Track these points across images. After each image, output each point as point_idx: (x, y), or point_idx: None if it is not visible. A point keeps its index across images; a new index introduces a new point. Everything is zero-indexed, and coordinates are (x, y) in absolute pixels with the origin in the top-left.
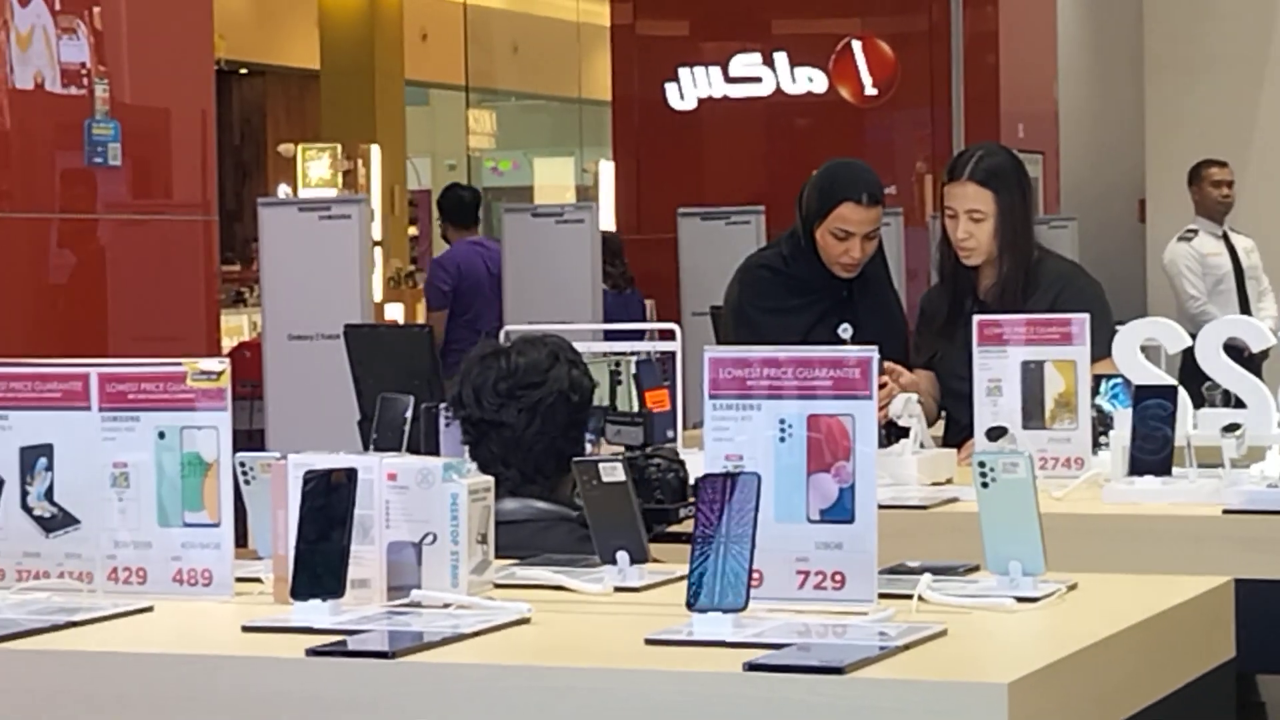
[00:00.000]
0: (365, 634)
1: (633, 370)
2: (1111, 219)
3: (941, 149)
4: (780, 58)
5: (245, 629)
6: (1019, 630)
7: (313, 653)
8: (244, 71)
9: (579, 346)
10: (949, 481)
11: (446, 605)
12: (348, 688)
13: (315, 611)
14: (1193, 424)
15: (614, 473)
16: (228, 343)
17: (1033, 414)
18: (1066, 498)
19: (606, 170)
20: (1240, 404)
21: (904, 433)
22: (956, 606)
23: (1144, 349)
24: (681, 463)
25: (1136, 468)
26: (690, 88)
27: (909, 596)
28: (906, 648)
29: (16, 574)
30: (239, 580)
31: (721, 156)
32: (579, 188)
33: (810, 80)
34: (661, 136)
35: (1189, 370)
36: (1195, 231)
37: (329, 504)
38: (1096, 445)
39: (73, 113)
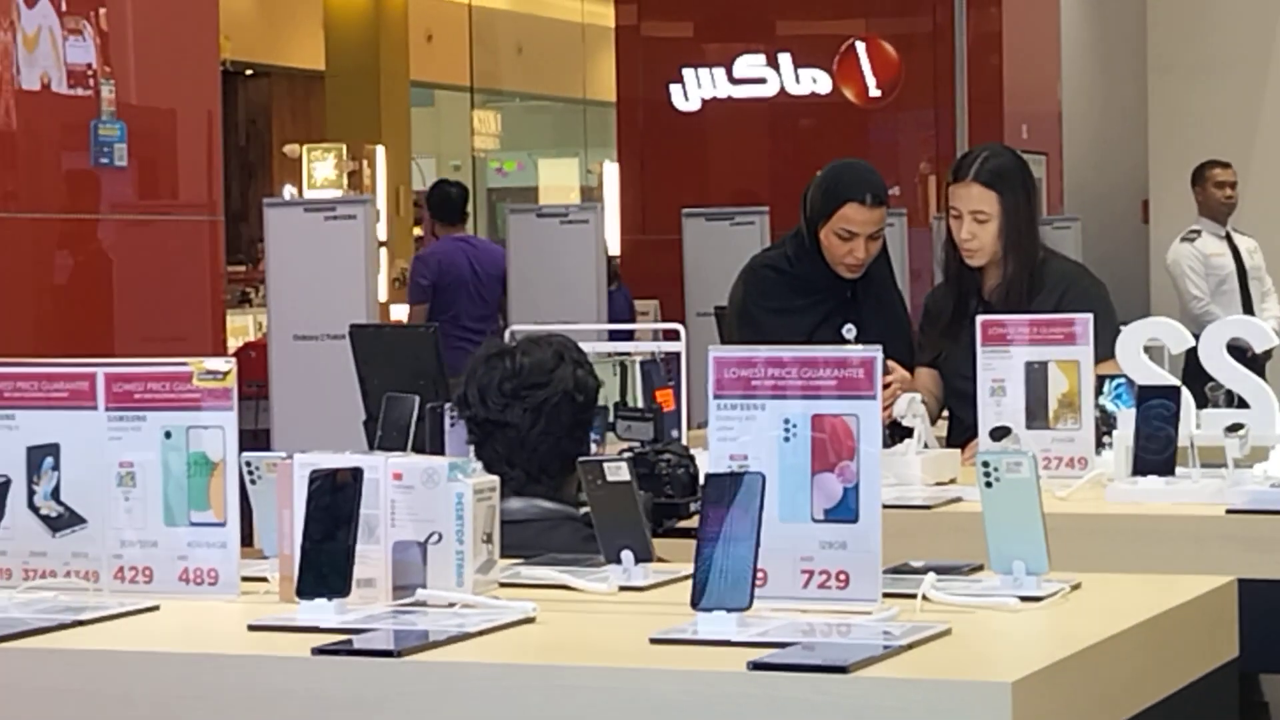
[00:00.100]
0: (370, 633)
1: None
2: (1115, 220)
3: (945, 150)
4: (784, 59)
5: (251, 628)
6: (1023, 630)
7: (318, 652)
8: (249, 72)
9: (584, 346)
10: (953, 481)
11: (452, 604)
12: (353, 687)
13: (321, 610)
14: (1196, 424)
15: (618, 472)
16: (233, 343)
17: (1036, 414)
18: (1070, 497)
19: (611, 171)
20: (1243, 404)
21: (908, 432)
22: (960, 606)
23: (1147, 349)
24: (692, 458)
25: (1140, 468)
26: (694, 88)
27: (913, 596)
28: (910, 647)
29: (23, 573)
30: (244, 579)
31: (726, 157)
32: (583, 188)
33: (814, 81)
34: (666, 137)
35: (1192, 370)
36: (1198, 232)
37: (334, 503)
38: (1100, 445)
39: (79, 113)
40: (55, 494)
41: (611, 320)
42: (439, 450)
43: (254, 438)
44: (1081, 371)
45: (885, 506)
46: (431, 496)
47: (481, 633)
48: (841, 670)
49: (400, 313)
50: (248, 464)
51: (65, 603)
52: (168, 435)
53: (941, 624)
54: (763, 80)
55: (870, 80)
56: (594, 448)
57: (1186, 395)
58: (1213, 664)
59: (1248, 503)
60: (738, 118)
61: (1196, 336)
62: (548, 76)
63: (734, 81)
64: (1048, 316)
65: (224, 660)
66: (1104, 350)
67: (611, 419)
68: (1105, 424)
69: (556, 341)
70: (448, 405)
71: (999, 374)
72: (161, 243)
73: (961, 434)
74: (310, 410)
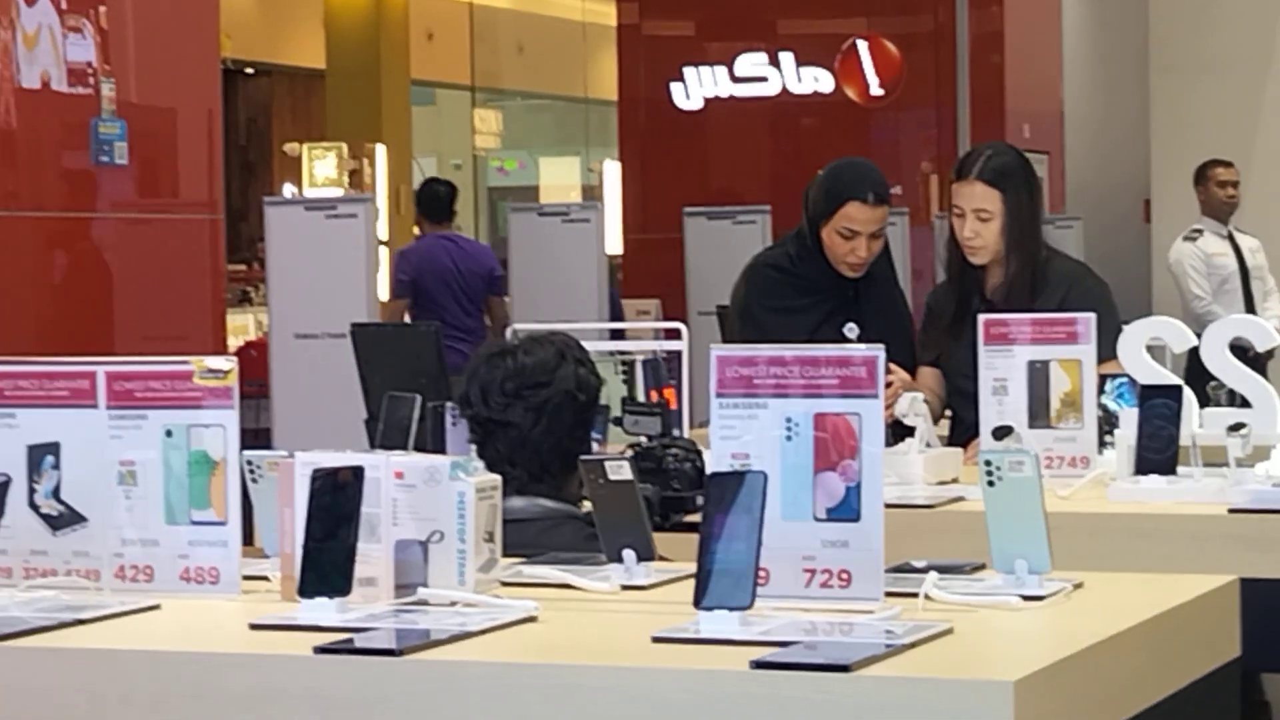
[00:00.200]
0: (372, 632)
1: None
2: (1116, 219)
3: (947, 149)
4: (786, 57)
5: (253, 627)
6: (1025, 628)
7: (320, 650)
8: (250, 71)
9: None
10: (955, 480)
11: (453, 603)
12: (355, 685)
13: (322, 609)
14: (1198, 423)
15: (620, 471)
16: (233, 342)
17: (1038, 413)
18: (1072, 497)
19: (612, 170)
20: (1245, 403)
21: (910, 431)
22: (962, 605)
23: (1149, 348)
24: (699, 452)
25: (1142, 467)
26: (696, 87)
27: (915, 595)
28: (913, 646)
29: (24, 572)
30: (245, 578)
31: (727, 156)
32: (584, 187)
33: (816, 80)
34: (667, 136)
35: (1194, 370)
36: (1200, 231)
37: (336, 502)
38: (1102, 444)
39: (79, 112)
40: (56, 493)
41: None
42: (440, 449)
43: (255, 437)
44: (1084, 371)
45: (887, 506)
46: (433, 495)
47: (483, 632)
48: (844, 669)
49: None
50: (249, 463)
51: (66, 602)
52: (169, 434)
53: (943, 623)
54: (764, 79)
55: (872, 79)
56: (595, 446)
57: (1188, 394)
58: (1214, 663)
59: (1250, 502)
60: (739, 117)
61: (1198, 336)
62: (549, 75)
63: (736, 80)
64: (1050, 315)
65: (225, 659)
66: (1106, 350)
67: (619, 414)
68: (1107, 423)
69: (558, 340)
70: (449, 404)
71: (1001, 373)
72: (162, 241)
73: (963, 433)
74: (311, 409)
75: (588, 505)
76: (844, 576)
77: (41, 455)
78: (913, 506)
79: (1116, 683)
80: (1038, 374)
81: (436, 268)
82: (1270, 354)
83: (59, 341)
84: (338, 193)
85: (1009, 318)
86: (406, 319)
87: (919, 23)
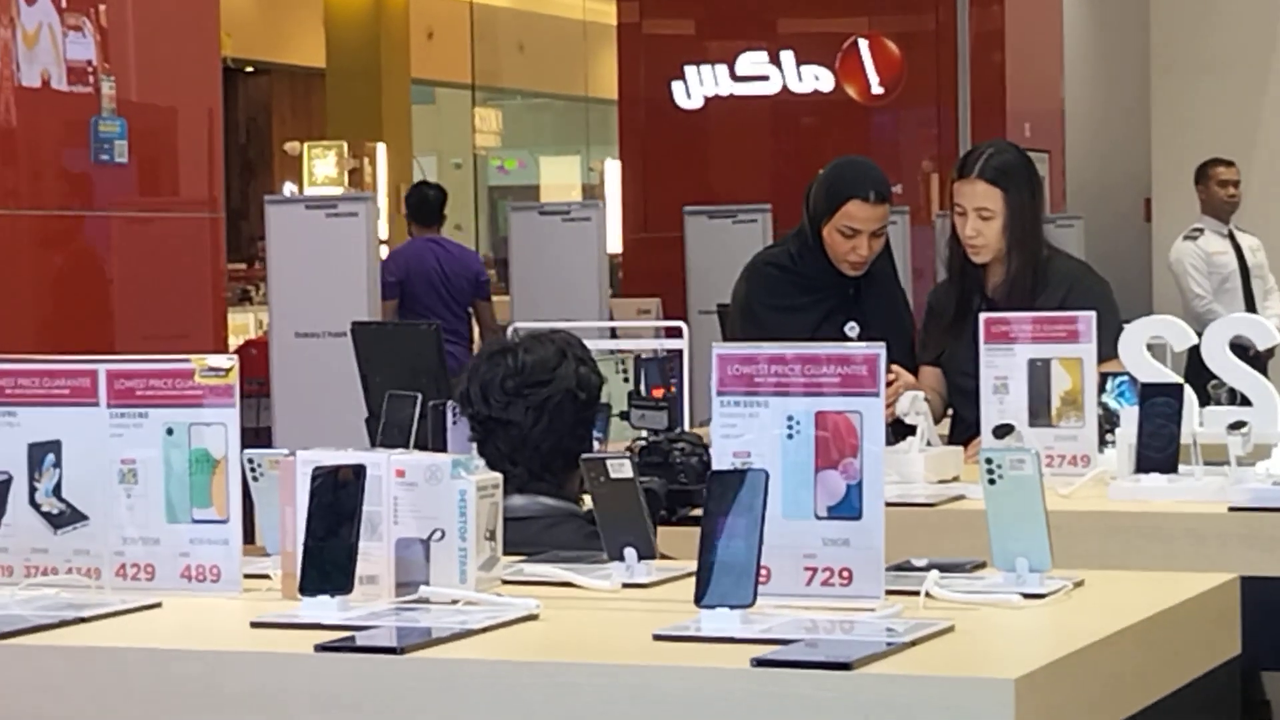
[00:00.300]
0: (374, 630)
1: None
2: (1117, 218)
3: (948, 147)
4: (787, 56)
5: (254, 625)
6: (1026, 626)
7: (321, 648)
8: (250, 70)
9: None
10: (955, 479)
11: (455, 601)
12: (356, 683)
13: (324, 607)
14: (1199, 422)
15: (621, 470)
16: (234, 341)
17: (1039, 412)
18: (1073, 495)
19: (612, 168)
20: (1246, 402)
21: (911, 430)
22: (963, 603)
23: (1150, 347)
24: (705, 446)
25: (1143, 465)
26: (696, 86)
27: (916, 593)
28: (914, 644)
29: (25, 570)
30: (246, 577)
31: (728, 155)
32: (585, 186)
33: (817, 79)
34: (668, 135)
35: (1194, 368)
36: (1201, 230)
37: (337, 500)
38: (1103, 443)
39: (79, 110)
40: (57, 491)
41: None
42: (441, 448)
43: (255, 435)
44: (1084, 369)
45: (888, 504)
46: (434, 493)
47: (484, 630)
48: (845, 667)
49: None
50: (250, 461)
51: (67, 600)
52: (170, 432)
53: (944, 621)
54: (765, 78)
55: (873, 78)
56: (596, 445)
57: (1189, 393)
58: (1215, 661)
59: (1250, 500)
60: (740, 115)
61: (1199, 334)
62: (549, 74)
63: (736, 79)
64: (1051, 314)
65: (226, 657)
66: (1107, 350)
67: (625, 409)
68: (1108, 421)
69: (559, 338)
70: (450, 403)
71: (1002, 371)
72: (162, 240)
73: (964, 432)
74: (311, 408)
75: (589, 503)
76: (845, 575)
77: (42, 453)
78: (913, 505)
79: (1117, 680)
80: (1038, 372)
81: (423, 269)
82: (1270, 353)
83: (59, 340)
84: (338, 191)
85: (1010, 316)
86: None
87: (920, 21)
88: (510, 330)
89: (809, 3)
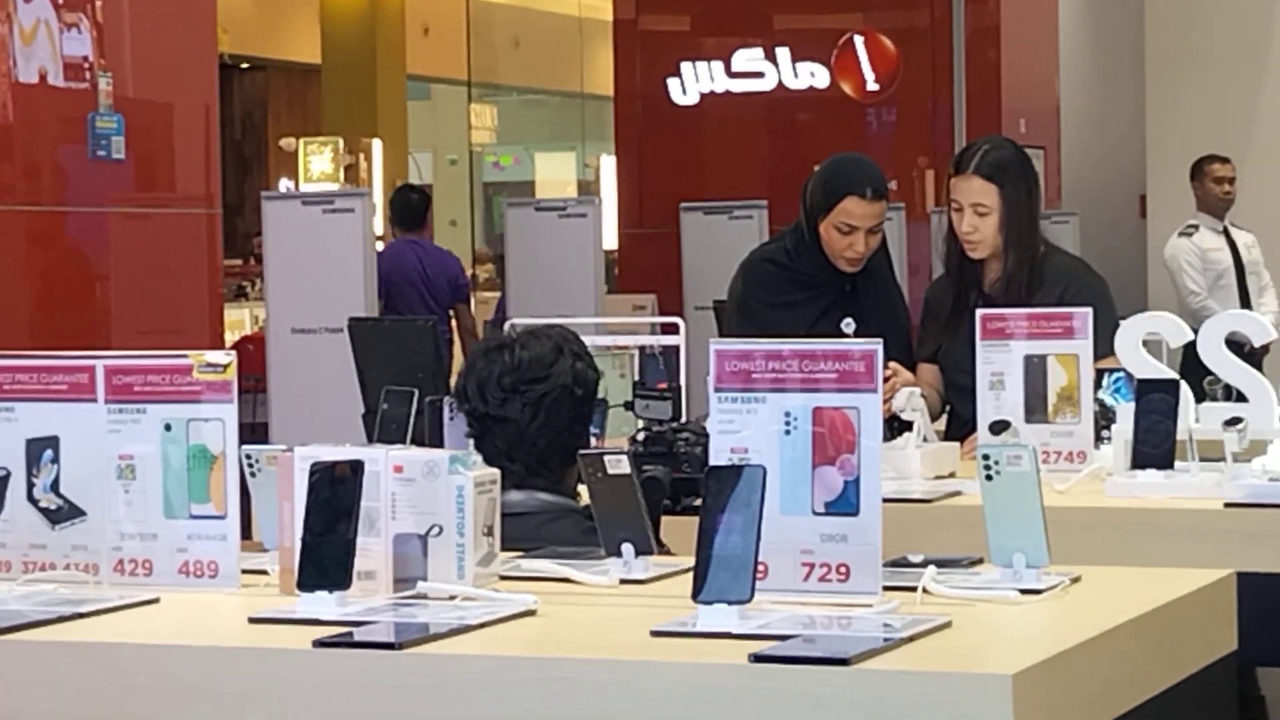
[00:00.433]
0: (372, 625)
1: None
2: (1112, 214)
3: (943, 144)
4: (782, 53)
5: (252, 620)
6: (1023, 622)
7: (319, 644)
8: (245, 66)
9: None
10: (952, 475)
11: (452, 597)
12: (354, 679)
13: (322, 603)
14: (1194, 418)
15: (619, 465)
16: (229, 336)
17: (1035, 408)
18: (1069, 491)
19: (607, 165)
20: (1241, 398)
21: (907, 426)
22: (960, 599)
23: (1146, 343)
24: (709, 436)
25: (1139, 461)
26: (692, 82)
27: (913, 589)
28: (911, 639)
29: (23, 566)
30: (244, 572)
31: (724, 151)
32: (580, 182)
33: (812, 75)
34: (664, 131)
35: (1189, 365)
36: (1196, 227)
37: (335, 496)
38: (1099, 439)
39: (76, 106)
40: (55, 486)
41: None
42: (438, 443)
43: (252, 431)
44: (1080, 365)
45: (884, 500)
46: (432, 489)
47: (482, 625)
48: (842, 663)
49: None
50: (248, 457)
51: (65, 595)
52: (168, 428)
53: (942, 617)
54: (761, 74)
55: (868, 74)
56: (593, 440)
57: (1185, 389)
58: (1211, 657)
59: (1246, 496)
60: (736, 112)
61: (1194, 331)
62: (545, 70)
63: (732, 75)
64: (1047, 310)
65: (224, 653)
66: (1104, 347)
67: (629, 401)
68: (1104, 418)
69: (556, 334)
70: (447, 398)
71: (998, 368)
72: (159, 236)
73: (961, 428)
74: (308, 404)
75: (585, 498)
76: (842, 570)
77: (40, 449)
78: (910, 501)
79: (1114, 676)
80: (1035, 369)
81: (404, 269)
82: (1265, 349)
83: (55, 336)
84: (333, 188)
85: (1006, 312)
86: None
87: (915, 18)
88: (508, 326)
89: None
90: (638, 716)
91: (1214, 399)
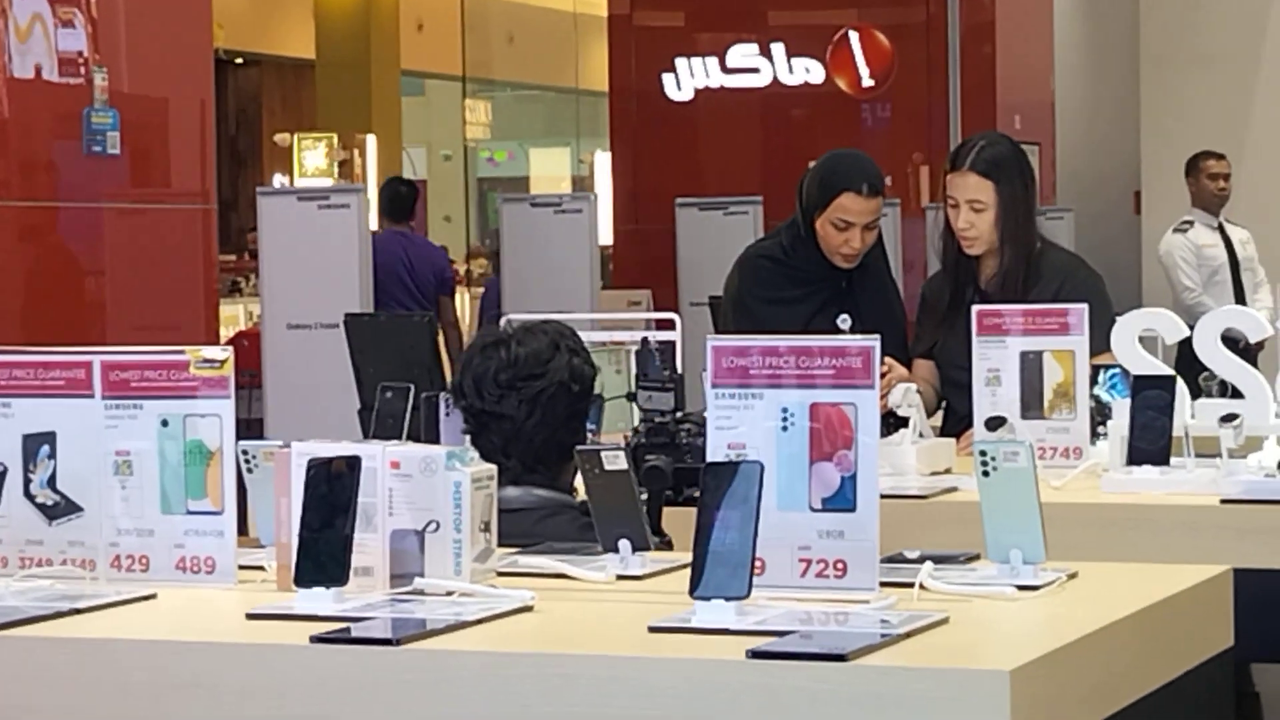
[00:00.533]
0: (369, 621)
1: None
2: (1107, 210)
3: (938, 140)
4: (777, 48)
5: (249, 616)
6: (1020, 618)
7: (316, 640)
8: (239, 61)
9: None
10: (948, 471)
11: (449, 593)
12: (352, 674)
13: (319, 599)
14: (1190, 414)
15: (616, 461)
16: (224, 332)
17: (1031, 404)
18: (1065, 487)
19: (602, 160)
20: (1236, 394)
21: (903, 422)
22: (957, 595)
23: (1141, 339)
24: None
25: (1135, 457)
26: (687, 78)
27: (910, 585)
28: (909, 635)
29: (19, 561)
30: (241, 568)
31: (719, 147)
32: (575, 178)
33: (807, 71)
34: (659, 127)
35: (1184, 361)
36: (1191, 223)
37: (332, 492)
38: (1095, 435)
39: (71, 102)
40: (52, 482)
41: (491, 303)
42: (434, 440)
43: (246, 427)
44: (1076, 361)
45: (880, 496)
46: (429, 485)
47: (479, 621)
48: (840, 659)
49: None
50: (245, 452)
51: (62, 591)
52: (164, 423)
53: (939, 613)
54: (756, 70)
55: (863, 70)
56: (589, 436)
57: (1181, 385)
58: (1208, 653)
59: (1242, 492)
60: (731, 107)
61: (1190, 327)
62: (539, 66)
63: (727, 71)
64: (1043, 306)
65: (222, 649)
66: (1100, 343)
67: (631, 392)
68: (1100, 414)
69: (552, 330)
70: (443, 394)
71: (994, 364)
72: (154, 231)
73: (956, 424)
74: (304, 399)
75: (582, 494)
76: (839, 566)
77: (37, 445)
78: (906, 497)
79: (1111, 672)
80: (1031, 365)
81: (390, 260)
82: (1260, 345)
83: (50, 331)
84: (328, 183)
85: (1002, 308)
86: None
87: (910, 13)
88: (504, 321)
89: None
90: (635, 712)
91: (1209, 395)
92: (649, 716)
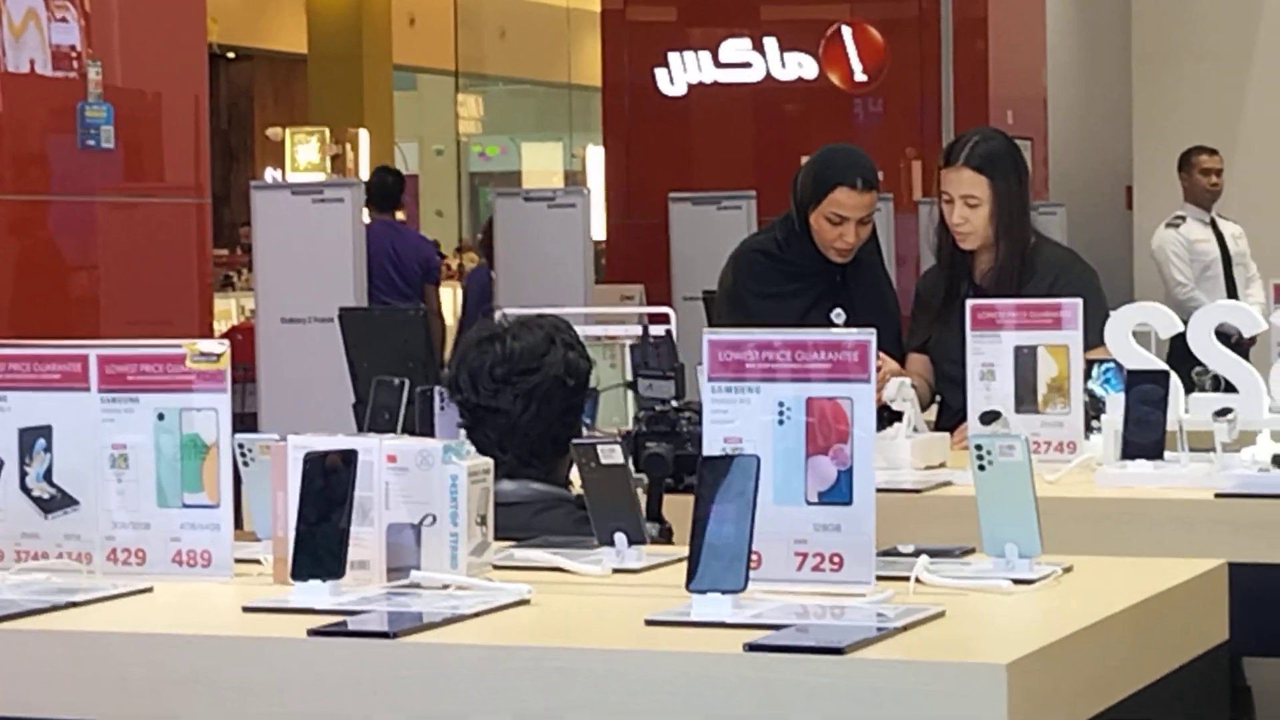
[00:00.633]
0: (365, 614)
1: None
2: (1099, 205)
3: (931, 135)
4: (770, 43)
5: (246, 610)
6: (1016, 612)
7: (313, 633)
8: (232, 55)
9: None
10: (942, 465)
11: (446, 586)
12: (348, 668)
13: (315, 592)
14: (1184, 408)
15: (612, 455)
16: (217, 327)
17: (1025, 398)
18: (1059, 482)
19: (595, 155)
20: (1230, 388)
21: (898, 416)
22: (953, 588)
23: (1135, 334)
24: None
25: (1129, 452)
26: (680, 73)
27: (906, 579)
28: (905, 629)
29: (15, 555)
30: (237, 562)
31: (712, 142)
32: (567, 173)
33: (800, 66)
34: (651, 122)
35: (1176, 355)
36: (1183, 218)
37: (329, 485)
38: (1089, 429)
39: (65, 96)
40: (48, 476)
41: (473, 295)
42: (429, 433)
43: (240, 421)
44: (1070, 356)
45: (875, 490)
46: (426, 479)
47: (476, 615)
48: (836, 652)
49: None
50: (241, 446)
51: (58, 584)
52: (160, 417)
53: (935, 606)
54: (748, 65)
55: (856, 65)
56: (584, 429)
57: (1175, 380)
58: (1203, 647)
59: (1236, 486)
60: (723, 102)
61: (1183, 322)
62: (532, 60)
63: (720, 66)
64: (1037, 301)
65: (218, 642)
66: (1094, 338)
67: (631, 381)
68: (1094, 408)
69: (547, 324)
70: (438, 388)
71: (988, 358)
72: (148, 225)
73: (951, 419)
74: (298, 393)
75: (578, 488)
76: (836, 560)
77: (33, 438)
78: (900, 491)
79: (1107, 666)
80: (1025, 359)
81: (376, 249)
82: (1252, 340)
83: (44, 325)
84: (320, 178)
85: (996, 303)
86: None
87: (903, 8)
88: (499, 315)
89: None
90: (632, 706)
91: (1203, 389)
92: (646, 709)
